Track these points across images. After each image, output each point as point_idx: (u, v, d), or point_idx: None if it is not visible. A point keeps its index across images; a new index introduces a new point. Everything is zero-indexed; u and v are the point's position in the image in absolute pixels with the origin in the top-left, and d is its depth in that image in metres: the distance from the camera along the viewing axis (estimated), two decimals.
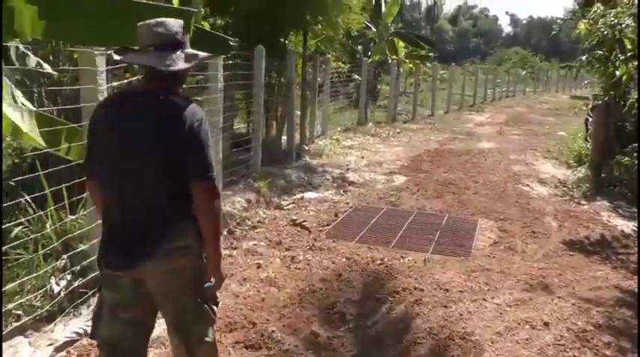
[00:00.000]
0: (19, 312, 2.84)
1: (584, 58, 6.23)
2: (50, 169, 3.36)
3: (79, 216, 3.56)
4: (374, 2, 14.89)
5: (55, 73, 3.75)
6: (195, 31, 2.22)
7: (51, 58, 4.13)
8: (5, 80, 2.64)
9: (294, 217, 5.17)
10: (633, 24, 5.43)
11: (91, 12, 2.13)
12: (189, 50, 1.90)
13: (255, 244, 4.41)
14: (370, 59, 14.45)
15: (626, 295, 3.63)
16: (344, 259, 4.10)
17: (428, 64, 18.44)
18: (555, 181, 7.34)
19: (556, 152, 9.68)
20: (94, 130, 1.92)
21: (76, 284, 3.13)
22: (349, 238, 4.71)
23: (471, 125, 13.87)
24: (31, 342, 2.71)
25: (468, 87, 20.23)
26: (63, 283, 3.14)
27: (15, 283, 2.89)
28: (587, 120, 9.84)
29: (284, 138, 8.08)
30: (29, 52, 3.05)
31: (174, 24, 1.86)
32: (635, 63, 5.71)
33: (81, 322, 2.87)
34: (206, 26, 5.20)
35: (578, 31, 6.08)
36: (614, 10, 5.45)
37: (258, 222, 5.02)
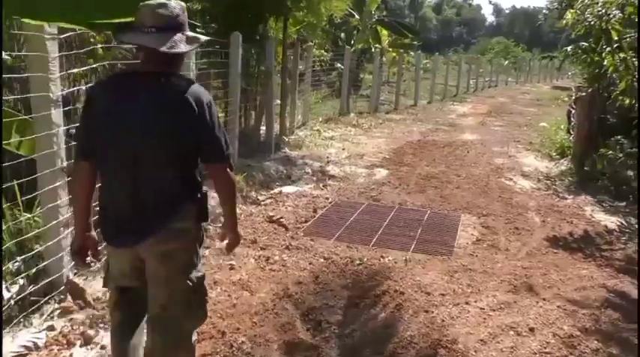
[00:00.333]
0: None
1: (569, 48, 6.07)
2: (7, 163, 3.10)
3: (35, 214, 3.30)
4: None
5: (8, 57, 3.44)
6: None
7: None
8: None
9: (271, 213, 4.96)
10: (620, 14, 5.30)
11: None
12: (190, 33, 1.88)
13: None
14: (353, 47, 14.20)
15: (612, 296, 3.51)
16: (322, 260, 3.92)
17: (411, 52, 18.26)
18: (538, 175, 7.25)
19: (538, 144, 9.61)
20: (91, 110, 1.89)
21: (28, 290, 2.88)
22: (328, 235, 4.52)
23: (453, 116, 13.76)
24: None
25: (451, 77, 20.13)
26: (14, 288, 2.89)
27: None
28: (569, 112, 9.76)
29: (263, 129, 7.84)
30: None
31: (176, 6, 1.83)
32: (622, 54, 5.59)
33: (32, 333, 2.63)
34: None
35: (565, 21, 5.92)
36: (601, 0, 5.30)
37: None
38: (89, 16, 1.99)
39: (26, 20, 2.32)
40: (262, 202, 5.39)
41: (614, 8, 5.32)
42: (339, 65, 13.31)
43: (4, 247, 2.99)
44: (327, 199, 5.66)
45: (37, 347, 2.50)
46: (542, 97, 20.53)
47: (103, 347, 2.60)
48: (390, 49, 16.43)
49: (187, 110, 1.80)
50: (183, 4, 1.87)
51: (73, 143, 3.01)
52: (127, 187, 1.86)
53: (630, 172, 6.26)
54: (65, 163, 2.84)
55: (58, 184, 2.88)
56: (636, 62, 5.52)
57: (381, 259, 3.98)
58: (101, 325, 2.74)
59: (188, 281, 1.96)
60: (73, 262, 2.90)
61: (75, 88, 3.73)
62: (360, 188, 6.15)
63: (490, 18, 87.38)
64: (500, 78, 27.51)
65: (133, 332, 2.08)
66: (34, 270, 2.98)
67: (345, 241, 4.40)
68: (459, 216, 5.24)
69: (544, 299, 3.39)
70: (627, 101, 5.78)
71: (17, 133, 2.91)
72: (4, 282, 2.92)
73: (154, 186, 1.86)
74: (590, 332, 3.01)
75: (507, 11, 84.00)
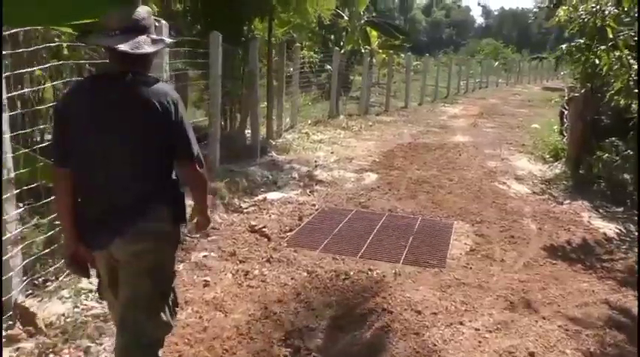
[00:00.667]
0: None
1: (564, 46, 5.84)
2: None
3: None
4: None
5: None
6: None
7: None
8: None
9: (254, 223, 4.67)
10: (616, 10, 5.08)
11: None
12: (155, 36, 1.92)
13: (205, 256, 3.90)
14: (343, 49, 13.95)
15: (615, 313, 3.27)
16: (305, 274, 3.63)
17: (402, 54, 18.05)
18: (532, 178, 7.02)
19: (531, 146, 9.40)
20: (64, 115, 1.92)
21: None
22: (313, 246, 4.25)
23: (444, 118, 13.55)
24: None
25: (442, 78, 19.94)
26: None
27: None
28: (562, 113, 9.57)
29: (249, 132, 7.55)
30: None
31: (141, 10, 1.89)
32: (617, 53, 5.36)
33: None
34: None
35: (557, 18, 5.70)
36: None
37: (213, 228, 4.48)
38: (53, 19, 1.93)
39: None
40: (245, 210, 5.10)
41: (609, 4, 5.10)
42: (328, 67, 13.05)
43: None
44: (314, 206, 5.38)
45: None
46: (533, 98, 20.40)
47: None
48: (380, 51, 16.19)
49: (152, 108, 1.82)
50: (148, 8, 1.94)
51: (22, 151, 2.73)
52: (99, 188, 1.89)
53: (627, 176, 6.05)
54: (13, 174, 2.54)
55: (6, 196, 2.57)
56: (632, 60, 5.31)
57: (369, 273, 3.71)
58: (50, 356, 2.44)
59: (153, 284, 1.94)
60: (69, 270, 2.61)
61: (28, 89, 3.42)
62: (348, 194, 5.88)
63: (479, 19, 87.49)
64: (490, 79, 27.40)
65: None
66: None
67: (332, 252, 4.13)
68: (451, 223, 4.99)
69: (544, 318, 3.13)
70: (622, 101, 5.57)
71: None
72: None
73: (124, 186, 1.88)
74: None
75: (496, 13, 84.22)
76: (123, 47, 1.79)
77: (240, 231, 4.51)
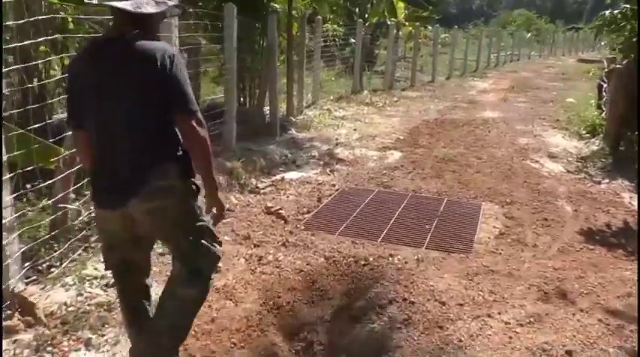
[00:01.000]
0: None
1: (607, 12, 5.35)
2: None
3: None
4: None
5: None
6: None
7: None
8: None
9: (270, 204, 4.48)
10: None
11: None
12: None
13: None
14: (368, 21, 13.46)
15: None
16: (321, 259, 3.43)
17: (429, 27, 17.38)
18: (567, 156, 6.61)
19: (565, 121, 8.90)
20: (72, 79, 2.00)
21: None
22: (331, 229, 4.04)
23: (473, 92, 13.02)
24: None
25: (471, 51, 19.18)
26: None
27: None
28: (600, 86, 9.01)
29: (267, 109, 7.32)
30: None
31: None
32: None
33: None
34: None
35: None
36: None
37: (228, 210, 4.28)
38: None
39: None
40: (262, 191, 4.91)
41: None
42: (352, 41, 12.61)
43: None
44: (334, 186, 5.16)
45: None
46: (567, 70, 19.48)
47: None
48: (407, 23, 15.60)
49: (149, 63, 1.82)
50: None
51: (21, 131, 2.58)
52: (108, 149, 1.92)
53: None
54: (5, 157, 2.38)
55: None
56: None
57: (390, 259, 3.47)
58: (49, 349, 2.31)
59: (190, 237, 2.00)
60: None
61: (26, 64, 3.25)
62: (370, 173, 5.63)
63: None
64: (522, 52, 26.28)
65: (144, 317, 2.13)
66: None
67: (350, 236, 3.91)
68: (479, 205, 4.69)
69: (581, 310, 2.86)
70: None
71: None
72: None
73: (131, 146, 1.89)
74: None
75: None
76: (123, 5, 1.80)
77: (256, 213, 4.33)
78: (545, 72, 19.32)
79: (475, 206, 4.67)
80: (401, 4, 14.96)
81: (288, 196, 4.81)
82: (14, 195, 2.51)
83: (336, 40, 12.57)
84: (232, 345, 2.45)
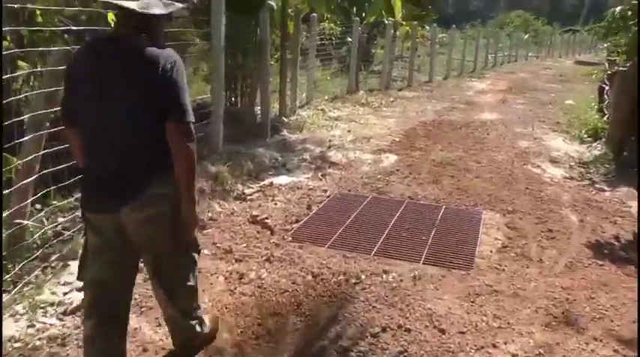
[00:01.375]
0: None
1: (618, 9, 5.06)
2: None
3: None
4: None
5: None
6: None
7: None
8: None
9: (256, 212, 4.18)
10: None
11: None
12: (168, 1, 1.87)
13: None
14: (365, 20, 13.16)
15: None
16: (309, 277, 3.13)
17: (426, 26, 17.12)
18: (569, 161, 6.35)
19: (566, 124, 8.65)
20: (71, 75, 1.94)
21: None
22: (321, 241, 3.74)
23: (471, 93, 12.75)
24: None
25: (469, 52, 18.92)
26: None
27: None
28: (601, 88, 8.77)
29: (259, 109, 7.02)
30: None
31: None
32: None
33: None
34: None
35: None
36: None
37: (210, 219, 4.03)
38: None
39: None
40: (248, 197, 4.61)
41: None
42: (349, 39, 12.31)
43: None
44: (325, 191, 4.87)
45: None
46: (565, 72, 19.29)
47: None
48: (404, 23, 15.32)
49: (152, 67, 1.79)
50: None
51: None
52: (104, 152, 1.87)
53: None
54: None
55: None
56: None
57: (384, 276, 3.18)
58: None
59: (175, 245, 1.98)
60: None
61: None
62: (364, 178, 5.34)
63: None
64: (520, 53, 26.08)
65: (110, 341, 1.99)
66: None
67: (341, 249, 3.62)
68: (479, 213, 4.42)
69: (595, 339, 2.59)
70: None
71: None
72: None
73: (129, 151, 1.86)
74: None
75: None
76: (130, 4, 1.76)
77: (241, 222, 4.03)
78: (542, 73, 19.10)
79: (475, 215, 4.39)
80: (399, 4, 14.69)
81: (276, 203, 4.51)
82: None
83: (333, 38, 12.29)
84: None
